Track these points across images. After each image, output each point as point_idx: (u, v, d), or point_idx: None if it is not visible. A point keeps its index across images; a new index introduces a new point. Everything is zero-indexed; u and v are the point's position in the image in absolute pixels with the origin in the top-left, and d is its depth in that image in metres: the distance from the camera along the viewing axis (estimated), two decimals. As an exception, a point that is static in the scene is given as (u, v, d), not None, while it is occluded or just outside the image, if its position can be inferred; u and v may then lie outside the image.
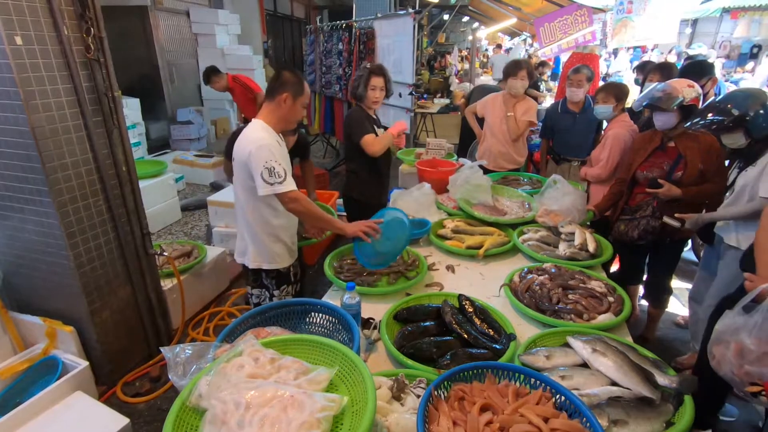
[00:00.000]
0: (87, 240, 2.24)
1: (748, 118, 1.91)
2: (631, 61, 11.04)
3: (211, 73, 4.83)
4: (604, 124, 3.44)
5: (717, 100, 2.05)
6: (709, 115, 2.00)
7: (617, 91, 2.84)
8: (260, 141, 1.78)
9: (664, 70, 3.18)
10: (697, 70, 3.05)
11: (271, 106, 1.89)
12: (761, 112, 1.90)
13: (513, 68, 3.31)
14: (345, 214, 4.07)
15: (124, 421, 2.03)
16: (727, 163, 2.28)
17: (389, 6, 6.81)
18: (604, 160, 2.80)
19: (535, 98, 4.16)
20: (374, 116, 2.84)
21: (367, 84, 2.67)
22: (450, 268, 2.09)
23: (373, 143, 2.64)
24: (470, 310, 1.59)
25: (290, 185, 1.81)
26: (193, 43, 7.92)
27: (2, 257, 2.37)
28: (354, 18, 6.17)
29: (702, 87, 2.49)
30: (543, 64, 7.06)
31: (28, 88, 1.91)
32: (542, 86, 5.86)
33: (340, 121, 6.12)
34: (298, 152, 2.73)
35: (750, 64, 11.37)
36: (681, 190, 2.26)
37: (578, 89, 3.22)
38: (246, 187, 1.88)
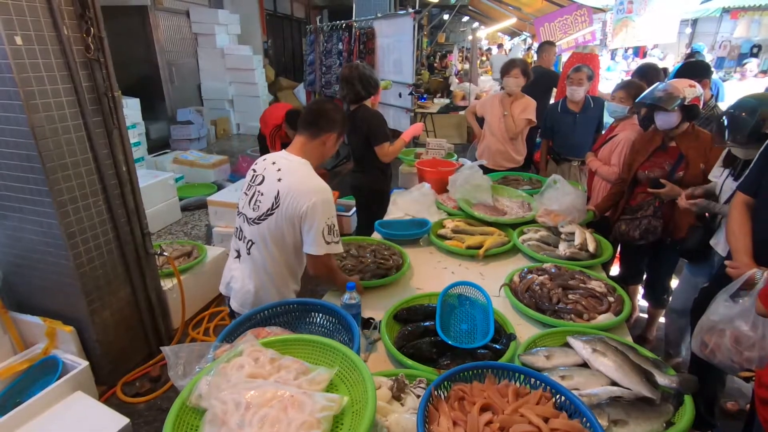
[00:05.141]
0: (87, 240, 2.24)
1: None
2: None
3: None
4: (604, 123, 3.44)
5: (732, 111, 1.85)
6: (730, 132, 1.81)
7: (636, 92, 2.64)
8: (325, 193, 1.59)
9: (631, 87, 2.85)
10: (693, 71, 3.03)
11: (312, 144, 1.68)
12: None
13: (507, 67, 3.34)
14: (346, 214, 4.09)
15: (124, 421, 2.03)
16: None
17: (389, 6, 6.81)
18: (617, 165, 2.72)
19: None
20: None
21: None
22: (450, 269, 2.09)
23: (388, 153, 2.81)
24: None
25: (341, 246, 1.67)
26: (193, 43, 7.92)
27: (2, 257, 2.37)
28: (354, 18, 6.18)
29: None
30: None
31: (28, 88, 1.91)
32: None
33: (340, 120, 6.12)
34: None
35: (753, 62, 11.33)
36: (683, 190, 2.25)
37: (579, 87, 3.22)
38: (282, 237, 1.63)
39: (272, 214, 1.61)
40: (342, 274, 1.78)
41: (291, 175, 1.61)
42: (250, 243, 1.69)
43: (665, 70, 4.17)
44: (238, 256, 1.76)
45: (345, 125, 1.75)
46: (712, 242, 2.11)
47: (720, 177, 2.04)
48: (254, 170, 1.73)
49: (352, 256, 2.06)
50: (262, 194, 1.64)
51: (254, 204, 1.67)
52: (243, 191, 1.74)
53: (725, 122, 1.84)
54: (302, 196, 1.56)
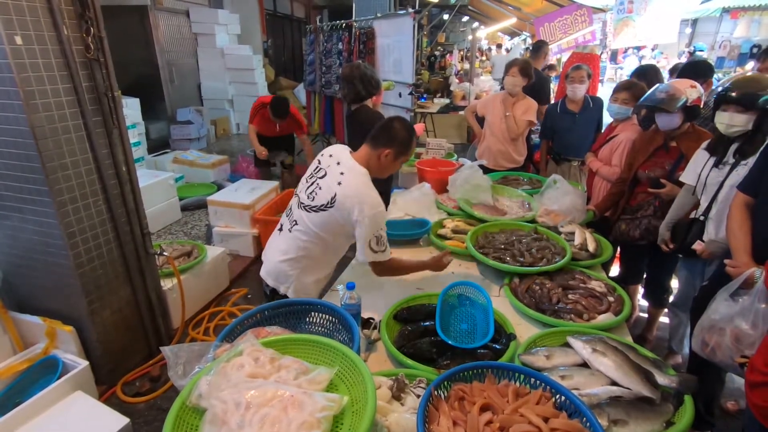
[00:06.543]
0: (87, 240, 2.24)
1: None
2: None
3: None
4: (604, 123, 3.44)
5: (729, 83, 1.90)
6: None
7: (641, 94, 2.58)
8: (378, 206, 1.67)
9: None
10: (695, 70, 3.03)
11: (372, 155, 1.75)
12: None
13: (507, 66, 3.36)
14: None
15: (124, 420, 2.03)
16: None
17: (389, 5, 6.81)
18: (618, 165, 2.70)
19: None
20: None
21: None
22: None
23: None
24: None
25: (389, 253, 1.76)
26: (193, 43, 7.92)
27: (2, 257, 2.36)
28: (354, 18, 6.17)
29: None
30: (550, 67, 6.77)
31: (28, 88, 1.91)
32: (551, 87, 5.63)
33: (340, 120, 6.12)
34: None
35: (750, 64, 11.37)
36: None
37: (580, 85, 3.22)
38: (330, 231, 1.76)
39: (325, 210, 1.72)
40: (407, 263, 1.89)
41: (349, 184, 1.69)
42: (294, 223, 1.82)
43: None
44: (281, 230, 1.90)
45: (408, 146, 1.78)
46: (705, 238, 2.11)
47: (701, 169, 2.02)
48: (319, 161, 1.83)
49: (518, 239, 2.12)
50: (320, 188, 1.75)
51: (310, 193, 1.78)
52: (305, 177, 1.86)
53: (724, 89, 1.86)
54: (355, 207, 1.65)
